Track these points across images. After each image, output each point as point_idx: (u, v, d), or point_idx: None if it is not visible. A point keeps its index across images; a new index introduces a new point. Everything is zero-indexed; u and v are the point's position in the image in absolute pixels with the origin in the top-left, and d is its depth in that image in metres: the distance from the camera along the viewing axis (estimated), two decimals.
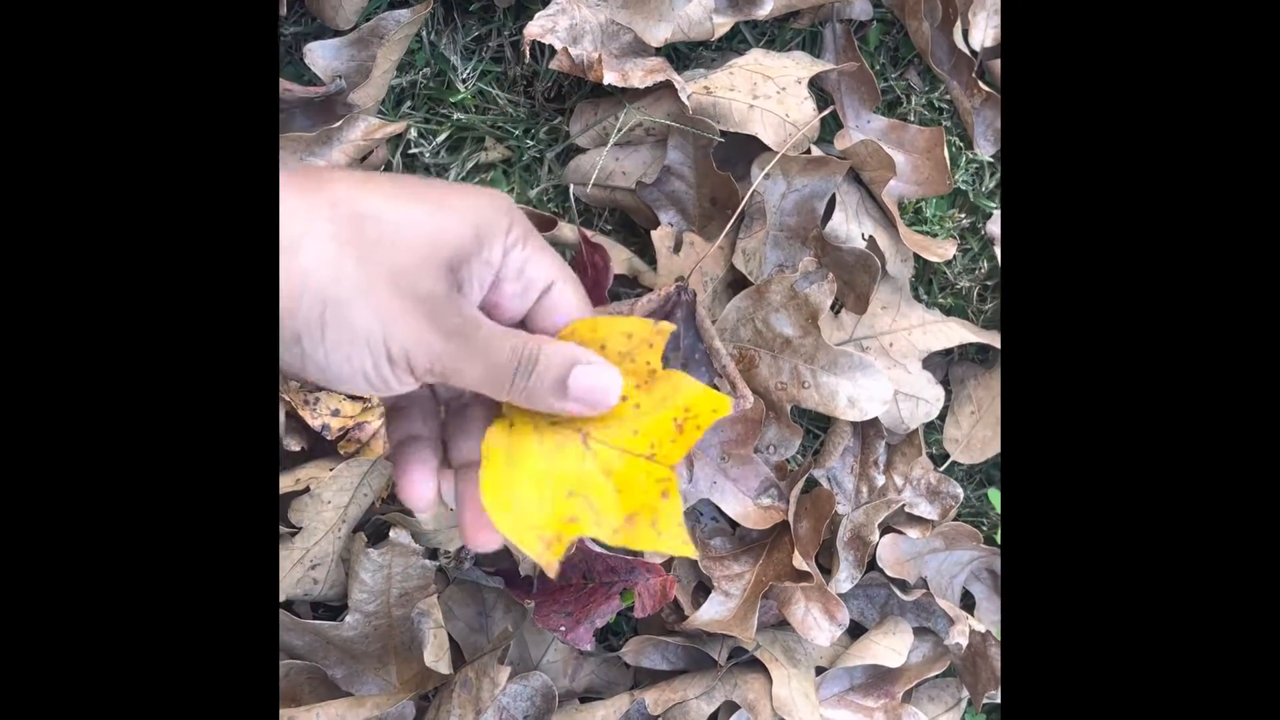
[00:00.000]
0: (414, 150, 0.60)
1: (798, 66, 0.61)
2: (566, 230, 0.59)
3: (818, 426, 0.66)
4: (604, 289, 0.57)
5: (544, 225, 0.59)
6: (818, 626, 0.60)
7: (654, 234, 0.60)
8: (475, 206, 0.39)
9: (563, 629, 0.58)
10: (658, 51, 0.59)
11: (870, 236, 0.60)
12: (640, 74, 0.57)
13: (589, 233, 0.59)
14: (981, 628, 0.62)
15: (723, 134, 0.58)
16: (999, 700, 0.67)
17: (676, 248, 0.60)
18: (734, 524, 0.64)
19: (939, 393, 0.64)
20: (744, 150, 0.60)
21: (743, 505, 0.62)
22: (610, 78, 0.56)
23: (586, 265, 0.58)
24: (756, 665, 0.62)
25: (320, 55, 0.58)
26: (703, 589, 0.64)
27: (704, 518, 0.65)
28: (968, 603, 0.68)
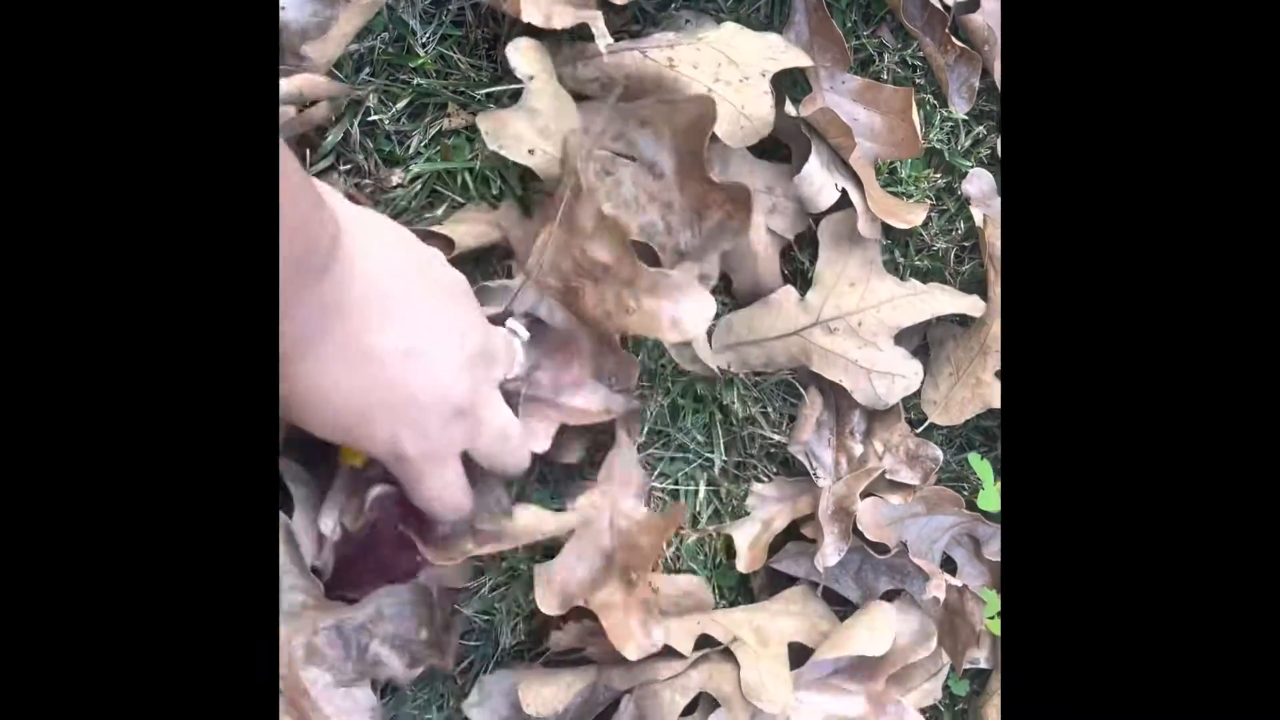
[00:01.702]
0: (374, 117, 0.59)
1: (767, 55, 0.59)
2: None
3: (793, 395, 0.65)
4: None
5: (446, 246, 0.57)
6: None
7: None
8: None
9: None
10: (624, 8, 0.58)
11: (843, 189, 0.59)
12: (564, 15, 0.55)
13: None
14: (958, 583, 0.62)
15: None
16: (981, 665, 0.66)
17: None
18: None
19: (916, 367, 0.63)
20: None
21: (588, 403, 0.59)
22: (530, 14, 0.54)
23: None
24: (732, 655, 0.60)
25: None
26: None
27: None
28: (949, 568, 0.68)
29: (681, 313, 0.54)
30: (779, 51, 0.59)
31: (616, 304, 0.55)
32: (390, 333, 0.46)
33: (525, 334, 0.55)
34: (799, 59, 0.59)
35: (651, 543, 0.58)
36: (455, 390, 0.48)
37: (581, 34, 0.57)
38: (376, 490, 0.53)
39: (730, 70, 0.57)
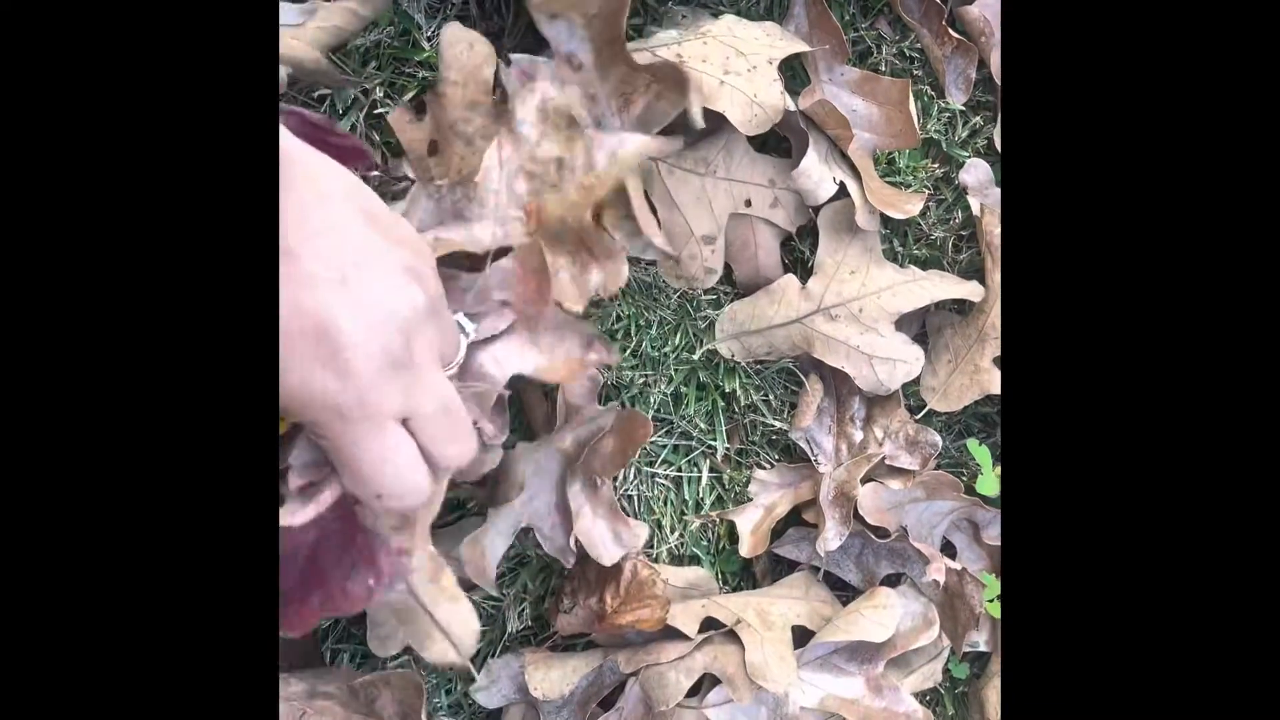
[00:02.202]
0: (380, 110, 0.59)
1: (770, 43, 0.60)
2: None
3: (794, 383, 0.66)
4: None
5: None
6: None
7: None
8: None
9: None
10: None
11: (841, 183, 0.60)
12: None
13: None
14: (958, 566, 0.62)
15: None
16: (981, 648, 0.67)
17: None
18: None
19: (917, 352, 0.64)
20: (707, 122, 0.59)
21: (551, 360, 0.53)
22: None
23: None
24: (735, 637, 0.61)
25: None
26: None
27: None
28: (949, 552, 0.68)
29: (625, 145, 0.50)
30: (778, 38, 0.60)
31: (579, 192, 0.50)
32: (322, 259, 0.39)
33: (472, 329, 0.51)
34: (798, 45, 0.60)
35: (617, 447, 0.56)
36: (392, 337, 0.41)
37: None
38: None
39: (739, 61, 0.58)
